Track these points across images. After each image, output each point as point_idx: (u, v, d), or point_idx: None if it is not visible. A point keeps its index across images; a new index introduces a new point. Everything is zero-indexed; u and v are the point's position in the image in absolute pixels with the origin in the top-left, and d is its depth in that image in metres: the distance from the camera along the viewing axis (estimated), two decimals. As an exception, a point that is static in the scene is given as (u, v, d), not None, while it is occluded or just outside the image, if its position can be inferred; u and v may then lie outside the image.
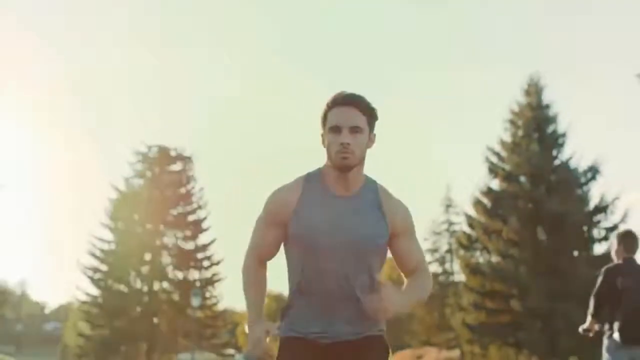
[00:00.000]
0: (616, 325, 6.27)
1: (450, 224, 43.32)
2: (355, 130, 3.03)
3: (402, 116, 76.51)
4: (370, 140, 3.11)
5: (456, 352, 36.32)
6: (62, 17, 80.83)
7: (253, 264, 3.22)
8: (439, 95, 78.19)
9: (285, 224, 3.11)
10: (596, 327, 6.57)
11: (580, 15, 74.27)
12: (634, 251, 6.56)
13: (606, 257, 28.41)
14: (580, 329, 6.70)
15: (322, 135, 3.12)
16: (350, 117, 3.03)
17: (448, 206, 43.27)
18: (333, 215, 3.06)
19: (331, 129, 3.05)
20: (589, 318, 6.62)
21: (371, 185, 3.15)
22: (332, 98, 3.10)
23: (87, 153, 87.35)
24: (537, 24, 75.02)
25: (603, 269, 6.59)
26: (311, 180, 3.15)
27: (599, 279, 6.53)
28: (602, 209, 29.66)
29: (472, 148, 65.10)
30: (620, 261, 6.55)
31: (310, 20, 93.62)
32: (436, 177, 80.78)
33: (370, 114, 3.09)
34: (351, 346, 3.08)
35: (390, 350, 3.17)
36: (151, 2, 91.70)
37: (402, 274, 3.23)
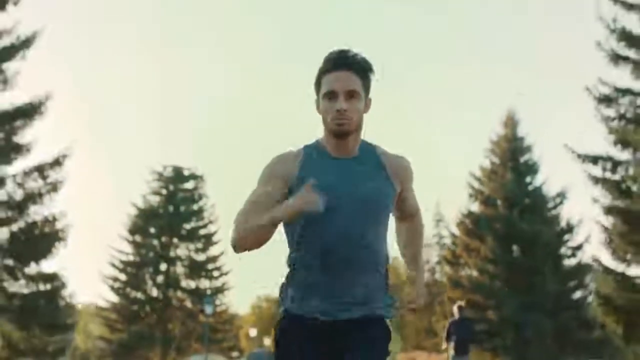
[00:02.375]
0: None
1: (441, 237, 48.28)
2: (351, 95, 2.97)
3: (403, 114, 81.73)
4: (367, 105, 3.06)
5: (444, 356, 41.35)
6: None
7: (249, 212, 2.95)
8: (438, 93, 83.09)
9: (287, 182, 3.02)
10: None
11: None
12: None
13: (573, 273, 33.63)
14: None
15: (316, 102, 3.06)
16: (345, 82, 2.97)
17: (438, 221, 48.22)
18: (337, 175, 3.01)
19: (326, 95, 2.99)
20: None
21: (370, 148, 3.13)
22: (325, 61, 3.04)
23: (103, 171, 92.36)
24: (537, 24, 79.79)
25: None
26: (310, 148, 3.11)
27: None
28: (569, 229, 34.70)
29: (469, 147, 70.05)
30: None
31: (311, 19, 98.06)
32: (433, 175, 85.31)
33: (366, 76, 3.03)
34: (352, 327, 3.00)
35: (391, 335, 3.12)
36: (155, 6, 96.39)
37: (396, 216, 3.31)
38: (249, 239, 2.92)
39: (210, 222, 43.85)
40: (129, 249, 42.64)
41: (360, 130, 3.07)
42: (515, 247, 34.99)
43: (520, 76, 79.23)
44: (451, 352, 13.09)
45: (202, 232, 43.61)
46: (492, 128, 37.15)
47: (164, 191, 43.66)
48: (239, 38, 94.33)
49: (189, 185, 44.12)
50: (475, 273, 35.57)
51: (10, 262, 21.10)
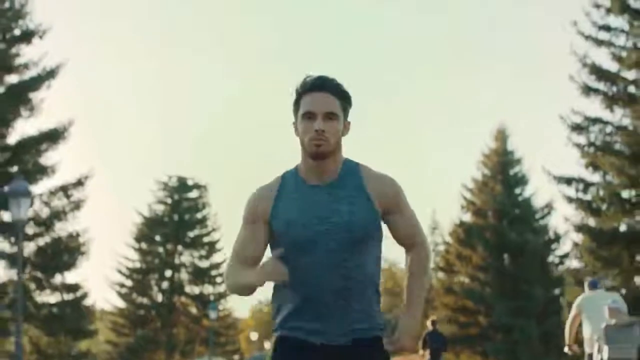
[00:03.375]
0: None
1: (436, 244, 50.75)
2: (329, 116, 2.97)
3: (398, 122, 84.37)
4: (345, 127, 3.07)
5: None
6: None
7: (235, 267, 3.08)
8: (436, 102, 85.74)
9: (267, 224, 3.05)
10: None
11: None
12: None
13: (559, 280, 36.10)
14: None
15: (294, 124, 3.06)
16: (324, 103, 2.98)
17: (434, 229, 50.71)
18: (309, 206, 3.00)
19: (304, 116, 2.98)
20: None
21: (352, 168, 3.08)
22: (302, 82, 3.05)
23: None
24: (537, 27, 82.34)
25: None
26: (287, 176, 3.10)
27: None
28: (556, 239, 37.22)
29: (466, 158, 72.75)
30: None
31: (309, 25, 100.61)
32: (430, 183, 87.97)
33: (344, 99, 3.04)
34: (347, 352, 3.00)
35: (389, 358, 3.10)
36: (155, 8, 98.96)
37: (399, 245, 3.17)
38: (238, 293, 3.06)
39: (214, 230, 46.29)
40: (135, 256, 45.02)
41: (338, 152, 3.05)
42: (505, 256, 37.51)
43: (513, 91, 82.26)
44: (427, 357, 16.15)
45: (206, 239, 46.01)
46: (484, 141, 39.51)
47: (169, 200, 46.06)
48: (241, 45, 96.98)
49: (193, 194, 46.55)
50: (467, 280, 38.06)
51: (37, 274, 23.60)
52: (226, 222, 51.66)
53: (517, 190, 38.43)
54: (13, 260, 22.62)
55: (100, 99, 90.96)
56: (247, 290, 3.01)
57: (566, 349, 9.81)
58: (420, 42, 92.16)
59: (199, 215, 46.26)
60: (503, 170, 38.35)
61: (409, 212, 3.14)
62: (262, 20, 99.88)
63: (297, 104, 3.04)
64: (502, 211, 37.37)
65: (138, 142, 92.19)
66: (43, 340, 23.61)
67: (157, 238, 45.28)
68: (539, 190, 38.32)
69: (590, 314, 9.53)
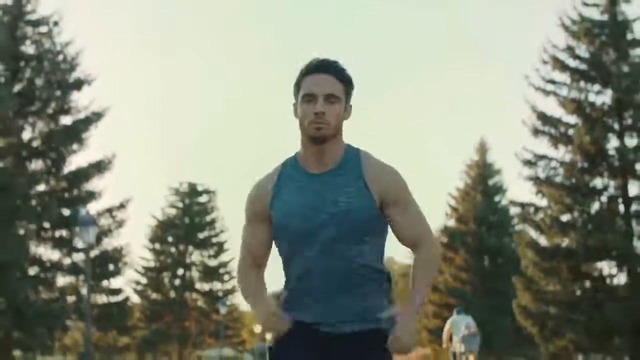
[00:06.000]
0: None
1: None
2: (330, 98, 3.03)
3: (397, 116, 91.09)
4: (347, 111, 3.11)
5: (427, 350, 50.70)
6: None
7: (244, 270, 3.25)
8: (435, 95, 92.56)
9: (267, 219, 3.16)
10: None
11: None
12: None
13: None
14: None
15: (295, 105, 3.13)
16: (325, 85, 3.03)
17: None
18: (306, 196, 3.07)
19: (305, 97, 3.05)
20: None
21: (353, 154, 3.13)
22: (305, 65, 3.11)
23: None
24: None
25: None
26: (287, 164, 3.18)
27: None
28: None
29: (453, 167, 79.79)
30: None
31: (308, 19, 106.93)
32: (430, 178, 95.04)
33: (347, 81, 3.10)
34: (350, 342, 3.09)
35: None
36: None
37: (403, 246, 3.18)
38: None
39: (222, 231, 53.03)
40: (149, 255, 51.68)
41: (339, 136, 3.10)
42: (484, 258, 44.36)
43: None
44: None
45: (214, 240, 52.71)
46: (467, 154, 46.39)
47: (181, 204, 52.78)
48: (241, 45, 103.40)
49: (203, 199, 53.30)
50: (450, 279, 44.88)
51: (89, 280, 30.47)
52: (233, 224, 58.93)
53: (496, 199, 45.25)
54: (70, 269, 29.59)
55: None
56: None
57: (444, 345, 18.02)
58: (419, 38, 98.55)
59: (208, 218, 52.93)
60: (483, 180, 45.17)
61: (412, 208, 3.13)
62: (262, 19, 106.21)
63: (298, 85, 3.11)
64: (481, 218, 44.17)
65: (142, 147, 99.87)
66: (94, 335, 30.53)
67: (170, 239, 51.89)
68: (517, 197, 45.12)
69: (455, 328, 17.77)
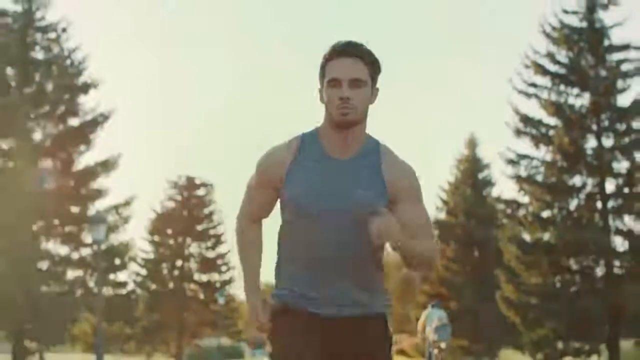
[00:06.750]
0: None
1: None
2: (356, 83, 3.05)
3: (397, 107, 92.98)
4: (373, 95, 3.15)
5: (418, 339, 53.00)
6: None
7: (245, 224, 3.32)
8: (435, 86, 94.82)
9: (278, 186, 3.20)
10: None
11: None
12: None
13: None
14: None
15: (320, 91, 3.16)
16: (351, 69, 3.05)
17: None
18: (327, 180, 3.11)
19: (330, 82, 3.07)
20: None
21: (373, 145, 3.19)
22: (330, 48, 3.11)
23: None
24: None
25: None
26: (307, 140, 3.20)
27: None
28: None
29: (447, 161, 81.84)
30: None
31: (308, 19, 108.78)
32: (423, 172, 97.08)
33: (373, 65, 3.12)
34: (351, 326, 3.16)
35: (391, 336, 3.29)
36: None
37: None
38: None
39: (219, 224, 54.94)
40: (149, 247, 53.71)
41: (364, 122, 3.13)
42: (474, 250, 46.58)
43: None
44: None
45: (212, 232, 54.58)
46: (457, 148, 48.66)
47: (179, 197, 54.82)
48: (242, 40, 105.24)
49: (201, 192, 55.28)
50: (441, 270, 47.10)
51: (96, 274, 32.63)
52: (230, 216, 61.15)
53: (485, 192, 47.46)
54: (78, 263, 31.82)
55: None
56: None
57: (419, 336, 20.77)
58: (415, 30, 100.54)
59: (206, 211, 54.84)
60: (473, 174, 47.36)
61: (419, 208, 3.25)
62: (264, 15, 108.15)
63: (323, 69, 3.14)
64: (471, 211, 46.38)
65: (144, 145, 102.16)
66: (103, 325, 32.72)
67: (169, 231, 53.84)
68: (503, 192, 47.41)
69: (429, 320, 20.01)
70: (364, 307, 3.21)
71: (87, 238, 31.81)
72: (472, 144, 48.12)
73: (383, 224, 3.01)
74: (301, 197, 3.14)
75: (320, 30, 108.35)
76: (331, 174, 3.14)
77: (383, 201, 3.14)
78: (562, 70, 31.36)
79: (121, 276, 34.14)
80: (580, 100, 31.06)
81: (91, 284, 32.37)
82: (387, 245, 3.17)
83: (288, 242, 3.26)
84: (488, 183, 47.72)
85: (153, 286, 53.00)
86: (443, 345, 19.81)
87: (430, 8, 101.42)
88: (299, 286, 3.21)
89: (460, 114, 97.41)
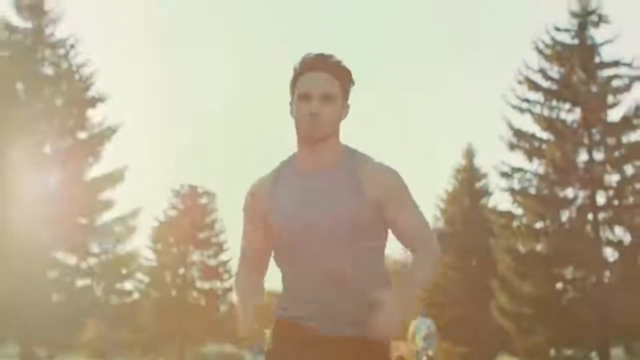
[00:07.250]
0: None
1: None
2: (326, 98, 3.03)
3: (384, 110, 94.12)
4: (344, 109, 3.12)
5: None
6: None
7: (242, 271, 3.29)
8: (435, 96, 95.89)
9: (266, 220, 3.18)
10: None
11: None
12: None
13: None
14: None
15: (291, 104, 3.11)
16: (320, 84, 3.02)
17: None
18: (300, 197, 3.09)
19: (300, 97, 3.05)
20: None
21: (349, 155, 3.14)
22: (301, 61, 3.09)
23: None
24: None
25: None
26: (284, 164, 3.20)
27: None
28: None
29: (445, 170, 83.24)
30: None
31: (308, 19, 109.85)
32: (421, 181, 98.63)
33: (344, 78, 3.09)
34: (347, 345, 3.09)
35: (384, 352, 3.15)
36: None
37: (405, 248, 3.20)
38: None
39: (221, 232, 56.16)
40: (152, 255, 54.89)
41: (336, 136, 3.11)
42: (472, 258, 47.83)
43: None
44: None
45: (214, 240, 55.73)
46: (455, 159, 50.00)
47: (182, 206, 56.03)
48: (242, 44, 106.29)
49: (203, 200, 56.50)
50: (440, 278, 48.32)
51: (103, 282, 33.95)
52: (231, 225, 62.33)
53: (482, 202, 48.74)
54: (86, 273, 33.16)
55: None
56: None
57: (410, 345, 21.40)
58: (415, 36, 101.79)
59: (207, 220, 56.07)
60: (470, 183, 48.66)
61: (410, 210, 3.13)
62: (264, 21, 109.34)
63: (294, 83, 3.10)
64: (468, 220, 47.65)
65: (148, 156, 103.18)
66: (109, 332, 34.12)
67: (171, 240, 55.06)
68: (500, 204, 48.63)
69: (418, 329, 21.08)
70: (359, 326, 3.09)
71: (95, 248, 33.17)
72: (469, 154, 49.42)
73: (382, 323, 2.95)
74: (278, 219, 3.13)
75: (320, 31, 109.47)
76: (303, 190, 3.12)
77: (362, 208, 3.07)
78: (555, 86, 32.69)
79: (127, 285, 35.55)
80: (571, 115, 32.39)
81: (98, 292, 33.64)
82: (387, 245, 3.24)
83: (281, 269, 3.28)
84: (485, 193, 49.01)
85: (155, 294, 54.20)
86: (430, 352, 21.21)
87: (432, 15, 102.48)
88: (295, 308, 3.19)
89: (459, 124, 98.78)
